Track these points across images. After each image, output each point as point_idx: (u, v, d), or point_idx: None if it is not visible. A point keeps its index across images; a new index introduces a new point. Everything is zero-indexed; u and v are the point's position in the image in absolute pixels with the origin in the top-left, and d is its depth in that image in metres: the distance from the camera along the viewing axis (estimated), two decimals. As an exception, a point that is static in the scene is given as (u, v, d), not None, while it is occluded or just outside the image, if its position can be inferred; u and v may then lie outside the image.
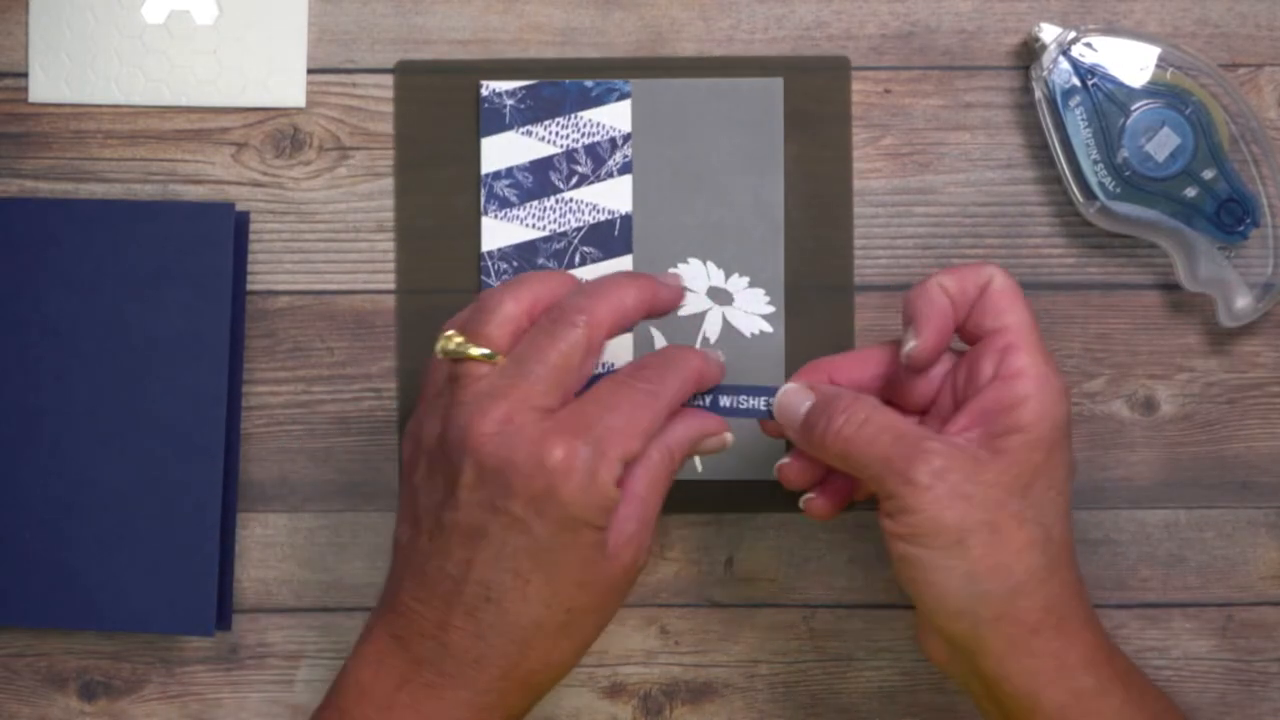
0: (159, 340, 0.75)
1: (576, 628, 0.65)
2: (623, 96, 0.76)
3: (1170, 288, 0.77)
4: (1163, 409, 0.77)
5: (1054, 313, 0.77)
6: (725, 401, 0.70)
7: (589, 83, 0.76)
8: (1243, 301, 0.75)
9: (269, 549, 0.77)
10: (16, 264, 0.75)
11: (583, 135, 0.76)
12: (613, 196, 0.76)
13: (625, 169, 0.76)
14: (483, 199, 0.76)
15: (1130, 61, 0.74)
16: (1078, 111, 0.74)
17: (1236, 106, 0.75)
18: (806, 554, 0.76)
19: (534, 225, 0.76)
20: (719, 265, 0.76)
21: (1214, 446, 0.77)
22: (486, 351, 0.65)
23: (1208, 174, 0.74)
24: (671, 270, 0.76)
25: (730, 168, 0.76)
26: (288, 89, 0.77)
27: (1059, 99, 0.74)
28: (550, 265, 0.76)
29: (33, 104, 0.77)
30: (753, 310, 0.76)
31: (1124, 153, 0.74)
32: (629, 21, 0.77)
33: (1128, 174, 0.74)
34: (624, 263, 0.76)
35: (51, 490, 0.74)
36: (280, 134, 0.77)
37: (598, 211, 0.76)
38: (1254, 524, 0.77)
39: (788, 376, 0.76)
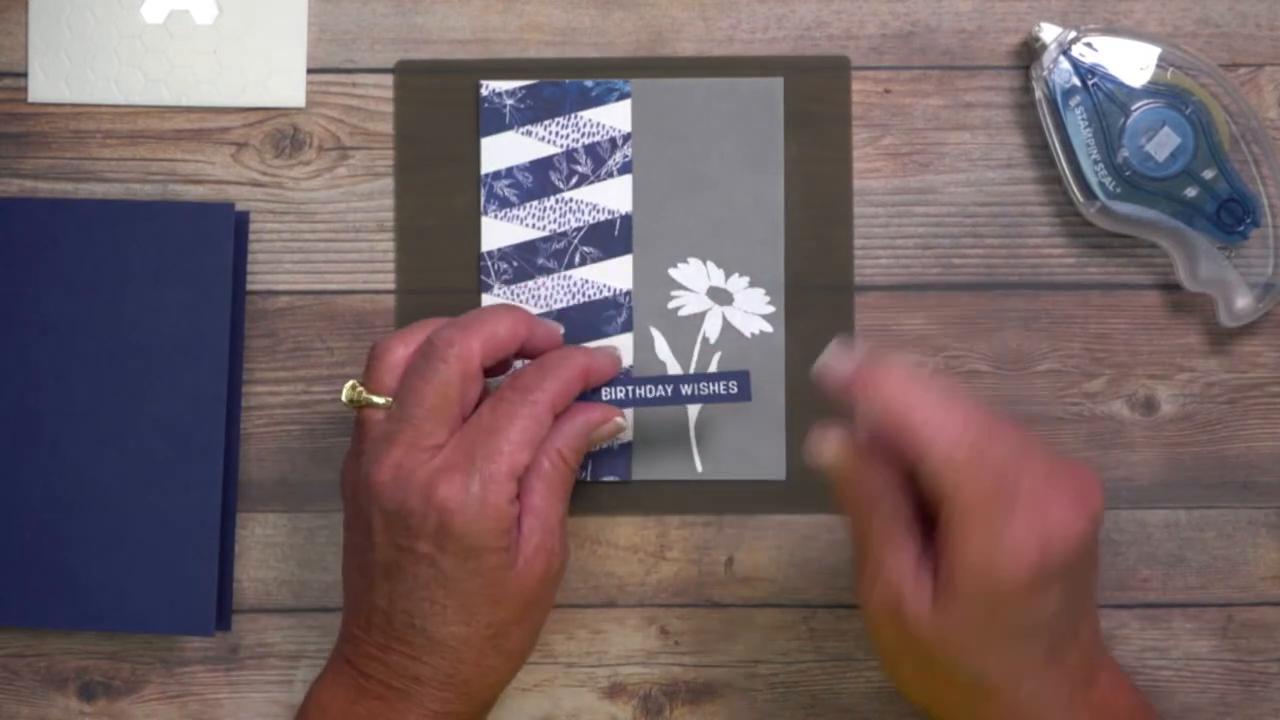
0: (159, 340, 0.75)
1: (504, 639, 0.69)
2: (623, 96, 0.76)
3: (1170, 288, 0.77)
4: (1163, 409, 0.77)
5: (1054, 313, 0.77)
6: (686, 389, 0.72)
7: (589, 83, 0.76)
8: (1243, 301, 0.75)
9: (269, 549, 0.77)
10: (16, 264, 0.75)
11: (583, 135, 0.76)
12: (613, 196, 0.76)
13: (625, 169, 0.76)
14: (483, 199, 0.76)
15: (1130, 61, 0.74)
16: (1078, 111, 0.74)
17: (1237, 106, 0.75)
18: (806, 554, 0.76)
19: (534, 225, 0.76)
20: (719, 265, 0.76)
21: (1214, 446, 0.77)
22: (379, 400, 0.69)
23: (1208, 174, 0.74)
24: (670, 270, 0.76)
25: (730, 168, 0.76)
26: (288, 89, 0.77)
27: (1059, 99, 0.74)
28: (551, 265, 0.76)
29: (32, 104, 0.77)
30: (753, 310, 0.76)
31: (1124, 153, 0.74)
32: (629, 21, 0.77)
33: (1128, 174, 0.74)
34: (624, 262, 0.76)
35: (51, 490, 0.74)
36: (280, 134, 0.77)
37: (598, 211, 0.76)
38: (1254, 524, 0.77)
39: (787, 376, 0.76)
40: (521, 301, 0.76)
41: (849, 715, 0.76)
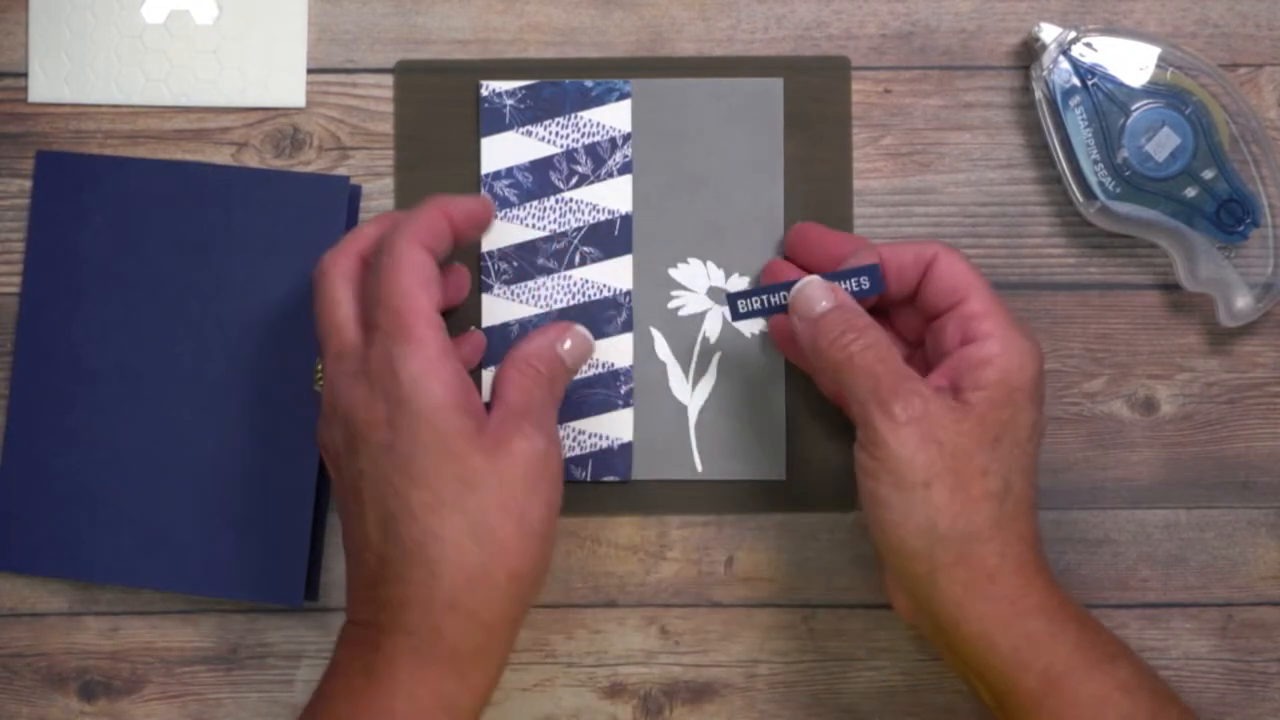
0: (266, 307, 0.75)
1: (483, 530, 0.65)
2: (623, 96, 0.76)
3: (1170, 288, 0.77)
4: (1163, 409, 0.77)
5: (1054, 313, 0.77)
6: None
7: (589, 83, 0.76)
8: (1243, 301, 0.75)
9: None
10: (129, 223, 0.75)
11: (583, 135, 0.76)
12: (613, 196, 0.76)
13: (625, 169, 0.76)
14: None
15: (1130, 61, 0.74)
16: (1078, 111, 0.74)
17: (1236, 106, 0.75)
18: (806, 554, 0.76)
19: (534, 225, 0.76)
20: (719, 265, 0.76)
21: (1214, 446, 0.77)
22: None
23: (1208, 174, 0.74)
24: (670, 270, 0.76)
25: (730, 168, 0.76)
26: (288, 89, 0.77)
27: (1059, 99, 0.74)
28: (551, 265, 0.76)
29: (33, 104, 0.77)
30: None
31: (1124, 153, 0.74)
32: (629, 21, 0.77)
33: (1128, 174, 0.74)
34: (624, 262, 0.76)
35: (151, 451, 0.74)
36: (280, 134, 0.77)
37: (598, 211, 0.76)
38: (1254, 524, 0.77)
39: (788, 380, 0.76)
40: (522, 302, 0.76)
41: (849, 715, 0.76)
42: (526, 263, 0.76)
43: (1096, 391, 0.77)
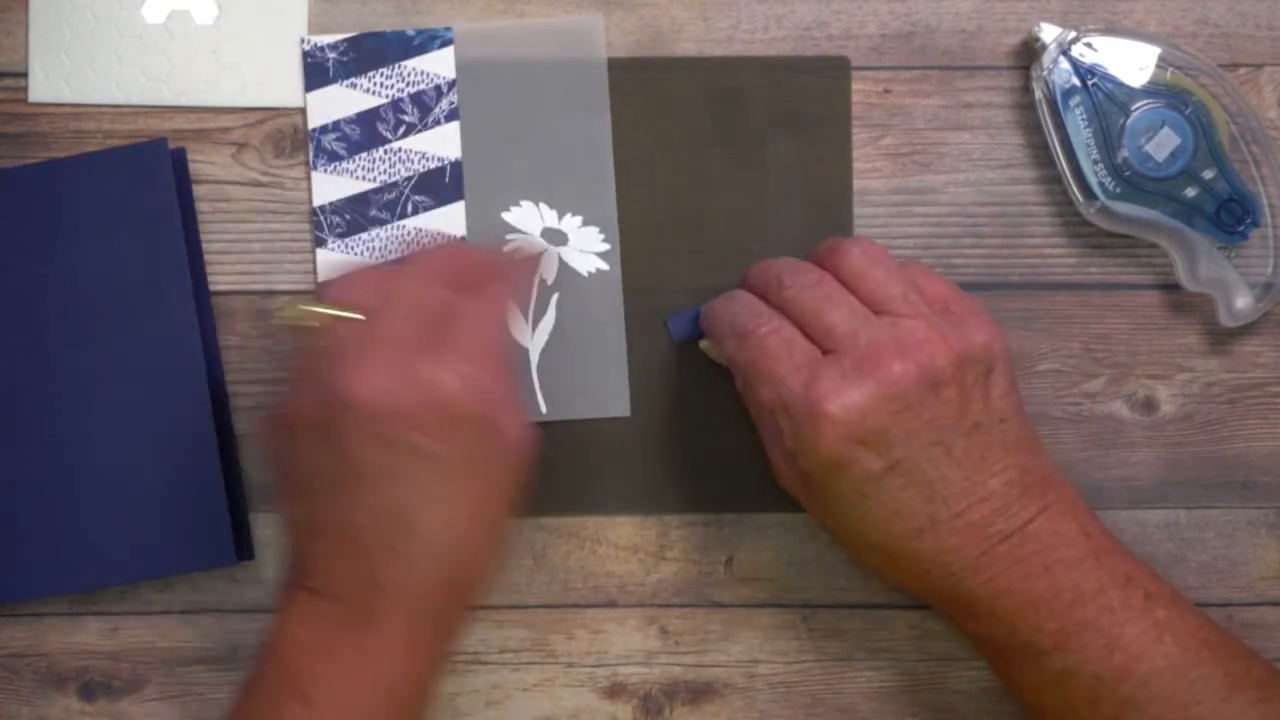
0: (122, 287, 0.74)
1: (483, 514, 0.66)
2: (445, 43, 0.75)
3: (1170, 288, 0.77)
4: (1163, 409, 0.77)
5: (1054, 313, 0.77)
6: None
7: (410, 31, 0.75)
8: (1243, 301, 0.75)
9: (270, 549, 0.77)
10: None
11: (407, 85, 0.75)
12: (441, 143, 0.75)
13: (452, 115, 0.75)
14: (311, 154, 0.75)
15: (1130, 61, 0.74)
16: (1078, 111, 0.74)
17: (1236, 106, 0.75)
18: (806, 554, 0.76)
19: (364, 177, 0.75)
20: (551, 206, 0.76)
21: (1214, 446, 0.77)
22: (351, 314, 0.66)
23: (1208, 174, 0.74)
24: (504, 214, 0.76)
25: (556, 109, 0.75)
26: (288, 89, 0.77)
27: (1059, 99, 0.74)
28: (384, 216, 0.75)
29: (33, 104, 0.77)
30: (588, 249, 0.76)
31: (1124, 153, 0.74)
32: (629, 21, 0.77)
33: (1128, 174, 0.74)
34: (456, 209, 0.75)
35: (50, 458, 0.74)
36: (280, 134, 0.77)
37: (427, 160, 0.75)
38: (1254, 524, 0.77)
39: (628, 313, 0.76)
40: (357, 255, 0.75)
41: (849, 715, 0.76)
42: (359, 215, 0.75)
43: (1096, 391, 0.77)
